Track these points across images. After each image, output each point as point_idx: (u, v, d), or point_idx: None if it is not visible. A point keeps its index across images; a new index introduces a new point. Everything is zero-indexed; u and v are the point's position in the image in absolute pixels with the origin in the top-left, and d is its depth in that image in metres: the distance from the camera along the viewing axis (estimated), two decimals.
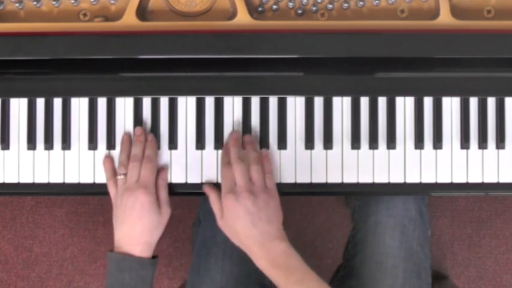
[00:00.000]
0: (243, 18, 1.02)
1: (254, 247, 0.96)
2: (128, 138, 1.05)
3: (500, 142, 1.05)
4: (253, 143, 1.04)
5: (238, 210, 0.96)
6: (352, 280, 1.15)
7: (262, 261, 0.96)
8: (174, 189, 1.06)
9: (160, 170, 1.04)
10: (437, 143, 1.05)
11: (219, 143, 1.05)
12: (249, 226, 0.96)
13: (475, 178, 1.05)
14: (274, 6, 1.04)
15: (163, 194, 1.03)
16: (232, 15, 1.03)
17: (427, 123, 1.06)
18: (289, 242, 0.98)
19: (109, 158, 1.05)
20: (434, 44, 1.00)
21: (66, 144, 1.06)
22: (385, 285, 1.10)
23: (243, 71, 1.04)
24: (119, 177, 1.02)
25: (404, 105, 1.06)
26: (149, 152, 1.02)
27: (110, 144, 1.06)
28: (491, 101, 1.06)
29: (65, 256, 1.75)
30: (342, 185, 1.05)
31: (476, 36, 1.00)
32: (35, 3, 1.03)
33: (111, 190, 1.03)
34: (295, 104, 1.06)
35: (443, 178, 1.05)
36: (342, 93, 1.05)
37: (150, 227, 0.99)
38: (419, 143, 1.05)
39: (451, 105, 1.06)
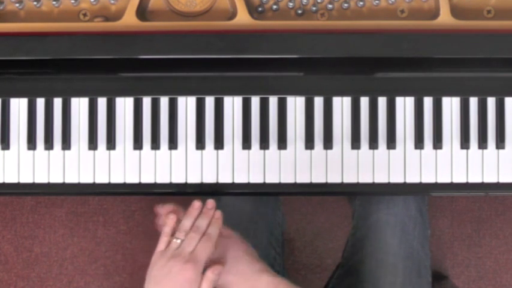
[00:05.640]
0: (243, 18, 1.02)
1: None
2: (199, 207, 0.99)
3: (500, 142, 1.05)
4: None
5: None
6: (352, 278, 1.15)
7: None
8: (173, 190, 1.06)
9: (218, 263, 0.97)
10: (437, 143, 1.05)
11: (219, 143, 1.05)
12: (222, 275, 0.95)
13: (475, 178, 1.05)
14: (274, 6, 1.04)
15: (206, 286, 0.96)
16: (232, 15, 1.03)
17: (427, 123, 1.05)
18: (273, 271, 0.97)
19: (175, 216, 0.99)
20: (434, 44, 1.00)
21: (66, 144, 1.06)
22: (386, 283, 1.10)
23: (243, 71, 1.04)
24: (175, 240, 0.96)
25: (404, 105, 1.06)
26: (212, 230, 0.98)
27: (110, 145, 1.06)
28: (491, 101, 1.06)
29: (65, 256, 1.75)
30: (342, 185, 1.05)
31: (476, 36, 1.00)
32: (35, 3, 1.03)
33: (161, 246, 0.97)
34: (295, 104, 1.06)
35: (443, 178, 1.05)
36: (342, 93, 1.05)
37: None
38: (419, 143, 1.05)
39: (451, 105, 1.06)
